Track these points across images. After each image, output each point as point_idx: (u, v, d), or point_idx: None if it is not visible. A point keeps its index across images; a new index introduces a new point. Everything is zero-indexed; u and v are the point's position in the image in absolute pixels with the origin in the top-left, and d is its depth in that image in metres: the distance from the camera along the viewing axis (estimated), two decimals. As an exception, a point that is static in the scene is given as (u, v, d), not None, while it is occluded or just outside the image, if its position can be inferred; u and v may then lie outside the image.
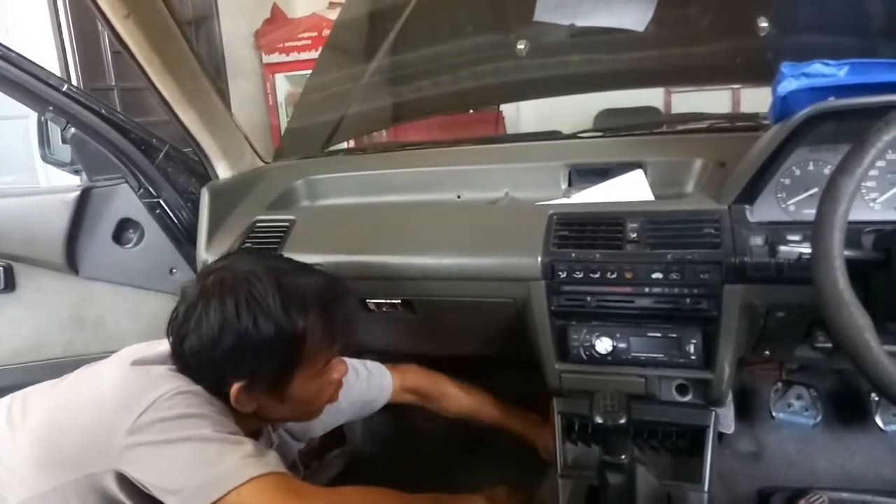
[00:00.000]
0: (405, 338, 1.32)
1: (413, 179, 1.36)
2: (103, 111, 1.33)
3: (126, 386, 0.85)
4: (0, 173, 3.17)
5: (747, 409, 1.48)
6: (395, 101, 2.02)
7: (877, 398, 1.37)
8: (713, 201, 1.01)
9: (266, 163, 1.54)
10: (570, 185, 1.25)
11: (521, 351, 1.08)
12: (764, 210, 0.95)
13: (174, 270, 1.46)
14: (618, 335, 1.00)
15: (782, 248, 0.86)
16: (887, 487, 1.31)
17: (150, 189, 1.39)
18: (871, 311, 0.64)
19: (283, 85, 4.73)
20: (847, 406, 1.43)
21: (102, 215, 1.43)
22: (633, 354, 0.99)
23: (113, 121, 1.34)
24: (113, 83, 3.59)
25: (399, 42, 1.88)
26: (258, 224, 1.29)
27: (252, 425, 0.95)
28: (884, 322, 0.69)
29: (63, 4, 3.24)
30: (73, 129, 1.33)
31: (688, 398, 0.97)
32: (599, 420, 0.79)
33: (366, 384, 1.24)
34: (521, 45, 1.76)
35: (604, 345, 1.00)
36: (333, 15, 3.98)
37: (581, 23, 1.69)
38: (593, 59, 1.79)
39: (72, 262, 1.44)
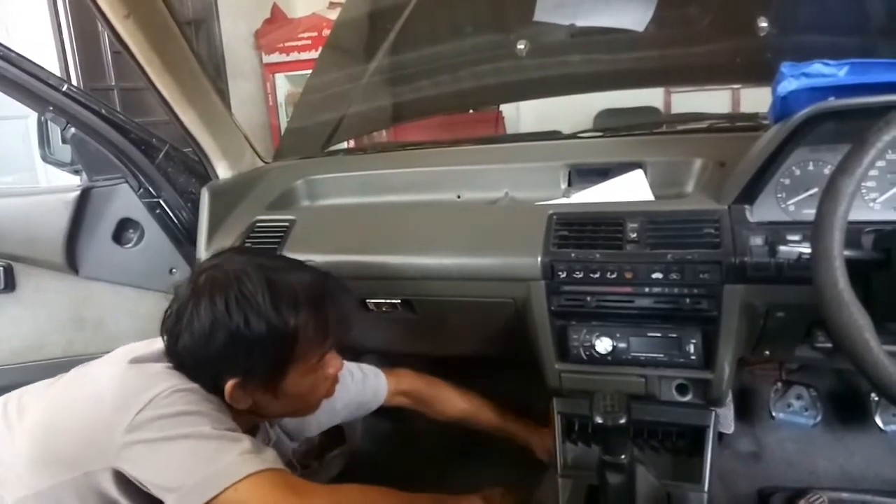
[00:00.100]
0: (405, 338, 1.32)
1: (413, 179, 1.36)
2: (103, 111, 1.34)
3: (124, 384, 0.85)
4: (0, 173, 3.17)
5: (747, 409, 1.48)
6: (394, 101, 2.01)
7: (877, 398, 1.37)
8: (713, 201, 1.01)
9: (266, 163, 1.55)
10: (569, 185, 1.25)
11: (521, 351, 1.08)
12: (764, 210, 0.95)
13: (174, 270, 1.46)
14: (618, 335, 1.00)
15: (782, 248, 0.86)
16: (887, 487, 1.31)
17: (150, 189, 1.39)
18: (871, 311, 0.64)
19: (283, 85, 4.72)
20: (847, 406, 1.43)
21: (102, 215, 1.43)
22: (632, 354, 0.99)
23: (113, 121, 1.34)
24: (113, 83, 3.59)
25: (399, 42, 1.87)
26: (258, 224, 1.29)
27: (249, 422, 0.96)
28: (884, 322, 0.69)
29: (63, 4, 3.24)
30: (73, 129, 1.33)
31: (688, 398, 0.97)
32: (599, 420, 0.79)
33: (361, 385, 1.25)
34: (521, 45, 1.76)
35: (604, 345, 1.00)
36: (333, 15, 3.99)
37: (581, 23, 1.69)
38: (593, 59, 1.79)
39: (72, 261, 1.44)
